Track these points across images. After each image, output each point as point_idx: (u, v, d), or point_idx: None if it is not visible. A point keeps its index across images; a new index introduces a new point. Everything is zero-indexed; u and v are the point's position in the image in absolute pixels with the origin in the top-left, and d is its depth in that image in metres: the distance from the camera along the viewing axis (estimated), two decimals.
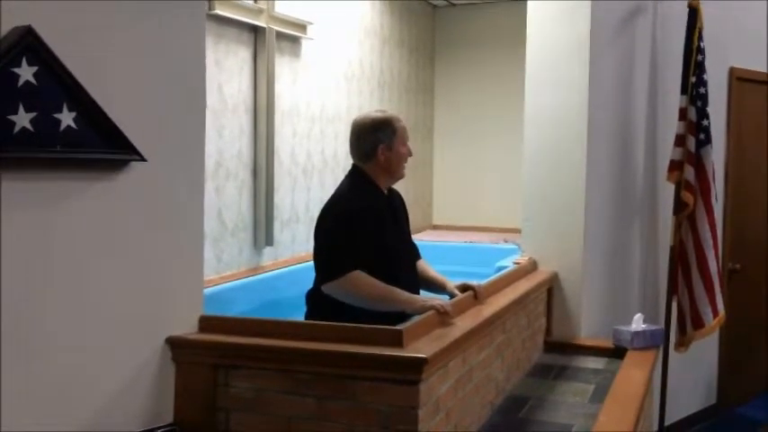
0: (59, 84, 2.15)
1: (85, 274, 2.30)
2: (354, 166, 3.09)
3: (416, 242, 3.42)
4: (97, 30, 2.29)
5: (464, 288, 3.17)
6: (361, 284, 2.83)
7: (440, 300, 2.91)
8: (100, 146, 2.26)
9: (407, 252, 3.17)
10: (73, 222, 2.26)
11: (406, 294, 2.87)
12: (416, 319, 2.69)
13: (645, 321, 4.05)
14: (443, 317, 2.79)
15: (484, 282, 3.38)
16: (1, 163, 2.04)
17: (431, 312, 2.76)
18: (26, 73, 2.07)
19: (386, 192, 3.11)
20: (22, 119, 2.06)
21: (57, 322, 2.22)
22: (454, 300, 3.03)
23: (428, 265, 3.28)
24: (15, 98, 2.06)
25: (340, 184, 3.13)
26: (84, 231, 2.29)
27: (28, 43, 2.07)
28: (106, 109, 2.25)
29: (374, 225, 2.93)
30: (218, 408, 2.56)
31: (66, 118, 2.17)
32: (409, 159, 3.10)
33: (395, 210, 3.14)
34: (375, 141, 3.01)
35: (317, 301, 2.97)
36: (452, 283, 3.19)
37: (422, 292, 3.15)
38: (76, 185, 2.26)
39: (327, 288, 2.86)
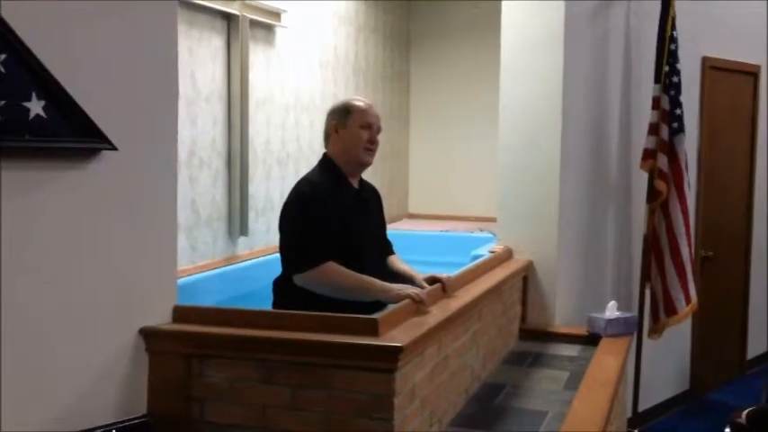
0: (28, 72, 2.11)
1: (56, 265, 2.27)
2: (323, 154, 3.10)
3: (392, 231, 3.42)
4: (67, 16, 2.26)
5: (432, 280, 3.12)
6: (335, 275, 2.82)
7: (414, 288, 2.90)
8: (70, 135, 2.23)
9: (375, 245, 3.14)
10: (43, 212, 2.22)
11: (380, 283, 2.87)
12: (392, 307, 2.69)
13: (619, 309, 4.08)
14: (419, 305, 2.79)
15: (454, 273, 3.37)
16: None
17: (406, 301, 2.76)
18: None
19: (355, 183, 3.09)
20: None
21: (27, 314, 2.19)
22: (425, 291, 3.02)
23: (398, 260, 3.26)
24: None
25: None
26: (55, 221, 2.26)
27: None
28: (76, 97, 2.22)
29: (336, 209, 2.92)
30: (193, 398, 2.54)
31: (36, 106, 2.13)
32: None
33: (364, 201, 3.12)
34: (328, 124, 3.07)
35: (284, 290, 2.95)
36: (421, 275, 3.16)
37: None
38: (46, 175, 2.23)
39: (299, 279, 2.85)
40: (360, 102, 3.10)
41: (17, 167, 2.15)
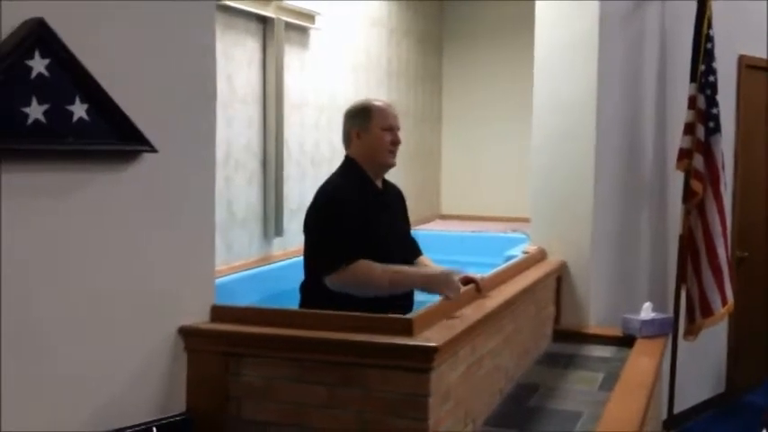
0: (72, 76, 2.16)
1: (98, 265, 2.31)
2: (345, 156, 3.11)
3: (424, 232, 3.43)
4: (108, 21, 2.30)
5: (466, 281, 3.11)
6: (368, 272, 2.82)
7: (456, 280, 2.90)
8: (112, 137, 2.28)
9: (399, 246, 3.14)
10: (85, 213, 2.27)
11: (419, 271, 2.86)
12: (426, 307, 2.70)
13: (654, 310, 4.05)
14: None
15: (487, 274, 3.38)
16: (14, 155, 2.06)
17: (440, 300, 2.76)
18: (39, 65, 2.08)
19: (379, 183, 3.10)
20: (35, 111, 2.08)
21: (69, 313, 2.24)
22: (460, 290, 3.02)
23: (429, 261, 3.27)
24: (28, 90, 2.07)
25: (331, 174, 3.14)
26: (97, 222, 2.31)
27: (40, 35, 2.08)
28: (118, 101, 2.27)
29: (361, 211, 2.92)
30: (230, 396, 2.58)
31: (79, 110, 2.18)
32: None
33: (387, 203, 3.12)
34: (349, 128, 3.06)
35: (311, 293, 2.98)
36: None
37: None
38: (89, 177, 2.28)
39: (331, 280, 2.84)
40: (378, 103, 3.11)
41: (60, 170, 2.20)
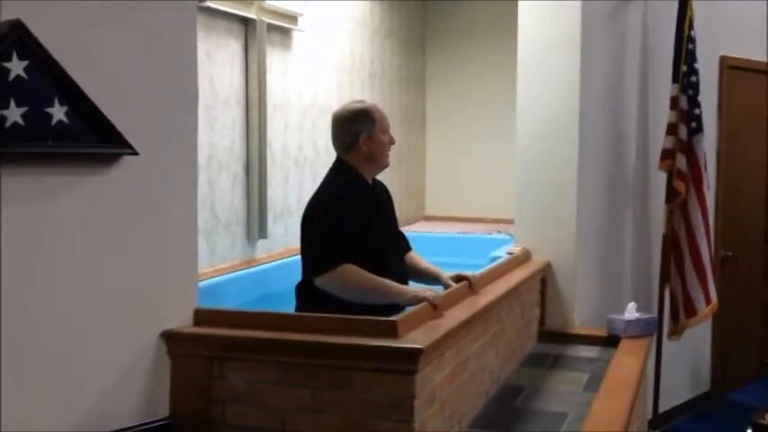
0: (50, 78, 2.13)
1: (78, 269, 2.29)
2: (338, 159, 3.11)
3: (409, 233, 3.43)
4: (88, 23, 2.28)
5: (458, 279, 3.17)
6: (353, 277, 2.84)
7: (431, 290, 2.91)
8: (92, 140, 2.25)
9: (394, 242, 3.18)
10: (65, 216, 2.25)
11: (396, 286, 2.89)
12: (411, 309, 2.70)
13: (638, 310, 4.06)
14: (434, 309, 2.79)
15: (478, 272, 3.39)
16: None
17: (424, 303, 2.76)
18: (17, 67, 2.06)
19: (371, 182, 3.12)
20: (14, 113, 2.05)
21: (50, 317, 2.21)
22: (448, 291, 3.03)
23: (419, 257, 3.29)
24: (6, 93, 2.04)
25: (325, 177, 3.14)
26: (77, 225, 2.28)
27: (18, 37, 2.05)
28: (98, 103, 2.24)
29: (359, 215, 2.94)
30: (214, 400, 2.56)
31: (58, 112, 2.16)
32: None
33: (380, 201, 3.15)
34: (355, 132, 3.03)
35: (306, 295, 2.97)
36: (446, 273, 3.19)
37: (416, 283, 3.16)
38: (69, 179, 2.25)
39: (319, 282, 2.87)
40: (372, 104, 3.13)
41: (40, 172, 2.17)
